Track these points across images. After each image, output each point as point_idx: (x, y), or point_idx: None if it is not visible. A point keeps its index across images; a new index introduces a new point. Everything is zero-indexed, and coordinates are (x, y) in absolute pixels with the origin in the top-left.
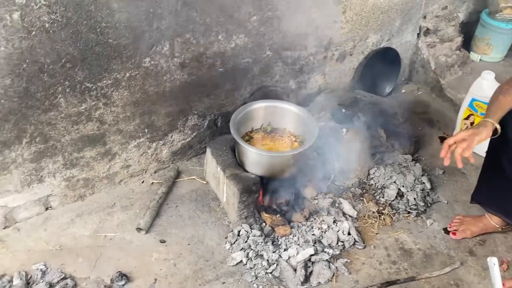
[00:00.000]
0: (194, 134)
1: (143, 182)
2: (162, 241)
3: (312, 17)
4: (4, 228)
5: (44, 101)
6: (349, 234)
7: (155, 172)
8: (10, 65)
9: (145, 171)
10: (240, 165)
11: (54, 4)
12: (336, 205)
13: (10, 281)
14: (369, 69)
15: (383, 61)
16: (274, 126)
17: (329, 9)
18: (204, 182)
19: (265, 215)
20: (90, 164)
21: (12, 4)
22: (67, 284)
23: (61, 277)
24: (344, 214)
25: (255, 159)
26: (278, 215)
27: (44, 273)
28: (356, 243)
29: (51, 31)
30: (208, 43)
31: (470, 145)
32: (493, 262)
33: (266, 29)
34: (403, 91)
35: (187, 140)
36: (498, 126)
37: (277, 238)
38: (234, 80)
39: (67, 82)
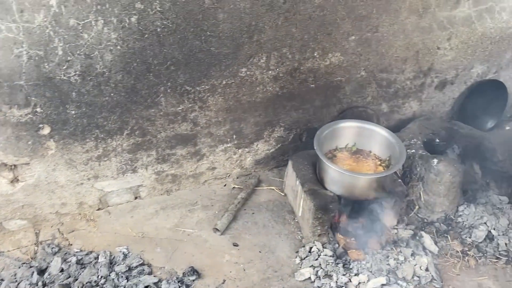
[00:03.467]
0: (278, 145)
1: (225, 185)
2: (235, 245)
3: (414, 41)
4: (98, 209)
5: (147, 98)
6: (427, 270)
7: (237, 178)
8: (123, 62)
9: (229, 175)
10: (320, 181)
11: (167, 11)
12: (417, 238)
13: (96, 258)
14: (470, 100)
15: (487, 94)
16: (359, 147)
17: (433, 34)
18: (282, 194)
19: (339, 236)
20: (179, 162)
21: (132, 8)
22: (143, 270)
23: (140, 262)
24: (424, 248)
25: (335, 177)
26: (353, 238)
27: (125, 256)
28: (434, 281)
29: (161, 35)
30: (303, 58)
31: None
32: None
33: (363, 49)
34: (507, 128)
35: (271, 150)
36: None
37: (349, 262)
38: (324, 97)
39: (169, 83)
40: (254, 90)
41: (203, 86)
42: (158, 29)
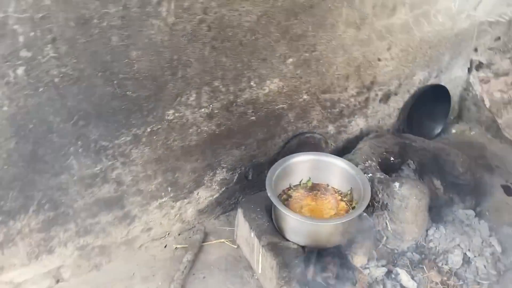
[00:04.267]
0: (222, 189)
1: (165, 246)
2: None
3: (354, 56)
4: None
5: (54, 164)
6: None
7: (179, 235)
8: (14, 126)
9: (168, 234)
10: (279, 231)
11: (64, 56)
12: (392, 276)
13: None
14: (415, 109)
15: (431, 100)
16: (315, 181)
17: (373, 46)
18: (235, 247)
19: None
20: (106, 230)
21: (16, 58)
22: None
23: None
24: (402, 287)
25: (297, 227)
26: None
27: None
28: None
29: (61, 86)
30: (238, 90)
31: None
32: None
33: (303, 71)
34: (453, 131)
35: (214, 196)
36: None
37: None
38: (267, 128)
39: (79, 142)
40: (187, 133)
41: (123, 138)
42: (56, 79)
